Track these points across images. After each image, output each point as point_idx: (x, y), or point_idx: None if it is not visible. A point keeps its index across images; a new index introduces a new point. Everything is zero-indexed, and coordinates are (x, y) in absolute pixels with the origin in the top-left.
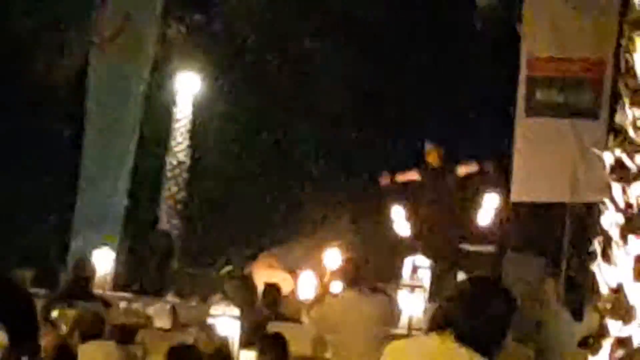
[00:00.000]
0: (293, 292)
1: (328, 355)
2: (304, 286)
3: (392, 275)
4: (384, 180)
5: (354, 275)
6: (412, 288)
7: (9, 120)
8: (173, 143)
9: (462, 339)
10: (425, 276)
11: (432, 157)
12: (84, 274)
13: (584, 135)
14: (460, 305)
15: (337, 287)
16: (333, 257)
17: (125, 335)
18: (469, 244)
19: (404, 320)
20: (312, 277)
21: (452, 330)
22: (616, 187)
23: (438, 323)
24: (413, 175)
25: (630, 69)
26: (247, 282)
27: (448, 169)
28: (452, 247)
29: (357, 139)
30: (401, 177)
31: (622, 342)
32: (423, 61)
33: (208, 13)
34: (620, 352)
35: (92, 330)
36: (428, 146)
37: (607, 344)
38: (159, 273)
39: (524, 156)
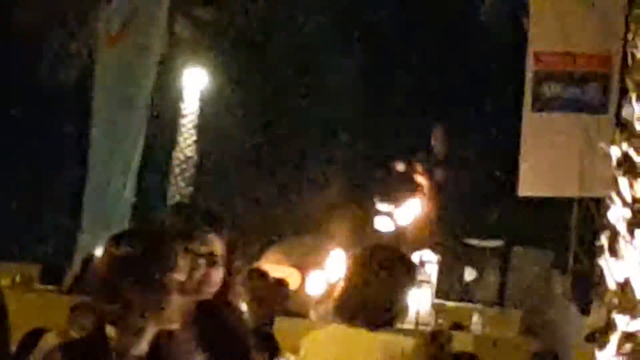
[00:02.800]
0: (300, 287)
1: None
2: (312, 282)
3: None
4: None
5: None
6: (420, 283)
7: (16, 118)
8: (180, 139)
9: (360, 319)
10: (432, 271)
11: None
12: (91, 271)
13: (591, 130)
14: (352, 291)
15: None
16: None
17: None
18: (476, 239)
19: (411, 316)
20: (320, 274)
21: (353, 317)
22: (623, 182)
23: (340, 311)
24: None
25: (636, 64)
26: (258, 277)
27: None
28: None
29: (364, 135)
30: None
31: (630, 337)
32: (428, 56)
33: (215, 9)
34: (627, 347)
35: None
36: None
37: (614, 339)
38: None
39: (531, 151)
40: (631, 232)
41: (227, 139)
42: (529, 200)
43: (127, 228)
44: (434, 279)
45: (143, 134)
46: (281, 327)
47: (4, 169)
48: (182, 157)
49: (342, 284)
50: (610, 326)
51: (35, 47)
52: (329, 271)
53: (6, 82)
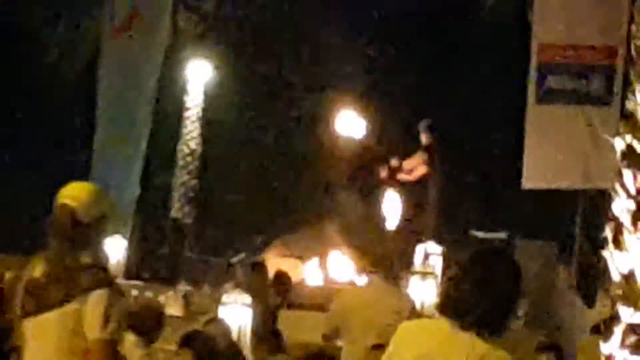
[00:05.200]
0: (303, 280)
1: (339, 343)
2: (315, 275)
3: (404, 263)
4: (383, 172)
5: (367, 265)
6: (424, 275)
7: (21, 109)
8: (184, 131)
9: (468, 320)
10: (436, 263)
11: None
12: None
13: (596, 122)
14: (464, 284)
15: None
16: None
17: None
18: (480, 231)
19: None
20: (317, 265)
21: (460, 314)
22: (627, 174)
23: (444, 305)
24: (421, 170)
25: None
26: (259, 270)
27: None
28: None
29: (366, 128)
30: (406, 176)
31: (634, 329)
32: (432, 50)
33: (219, 1)
34: (632, 339)
35: None
36: (422, 124)
37: (618, 330)
38: (171, 261)
39: (536, 143)
40: (635, 224)
41: (232, 131)
42: (533, 192)
43: None
44: (438, 270)
45: (147, 127)
46: (284, 319)
47: (8, 162)
48: (186, 149)
49: (447, 284)
50: (614, 318)
51: (39, 39)
52: (332, 264)
53: (10, 75)
